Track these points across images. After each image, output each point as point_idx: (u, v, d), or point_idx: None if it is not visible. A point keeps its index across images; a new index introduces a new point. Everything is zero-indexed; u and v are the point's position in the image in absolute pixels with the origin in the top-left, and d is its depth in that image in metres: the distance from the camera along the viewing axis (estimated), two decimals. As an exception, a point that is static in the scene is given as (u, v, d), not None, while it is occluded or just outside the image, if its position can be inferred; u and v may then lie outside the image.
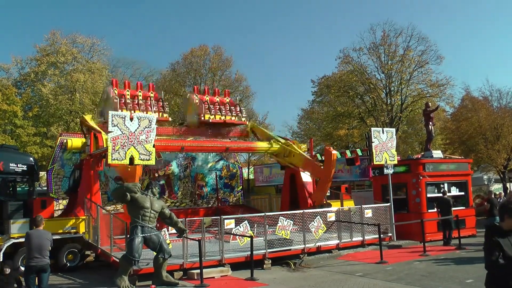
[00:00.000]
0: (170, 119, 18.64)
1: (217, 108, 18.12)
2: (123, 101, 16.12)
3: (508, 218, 4.43)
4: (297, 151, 18.12)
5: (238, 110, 18.68)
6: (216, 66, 38.68)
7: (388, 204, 16.84)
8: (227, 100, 18.89)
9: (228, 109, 18.40)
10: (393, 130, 18.39)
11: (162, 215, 11.34)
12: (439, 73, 35.99)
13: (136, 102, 16.55)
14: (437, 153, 19.55)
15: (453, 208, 16.85)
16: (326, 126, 39.91)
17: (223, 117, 18.14)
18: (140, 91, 17.09)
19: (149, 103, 16.76)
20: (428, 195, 17.85)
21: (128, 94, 16.62)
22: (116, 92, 16.43)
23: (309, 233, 14.17)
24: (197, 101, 18.06)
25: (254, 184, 28.67)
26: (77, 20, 75.18)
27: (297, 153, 18.10)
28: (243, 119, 18.86)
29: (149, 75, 53.73)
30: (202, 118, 17.75)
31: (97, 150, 13.76)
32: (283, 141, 18.90)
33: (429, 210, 17.61)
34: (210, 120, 17.88)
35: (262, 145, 18.72)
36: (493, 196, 18.49)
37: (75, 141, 14.85)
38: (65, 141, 15.37)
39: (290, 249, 13.82)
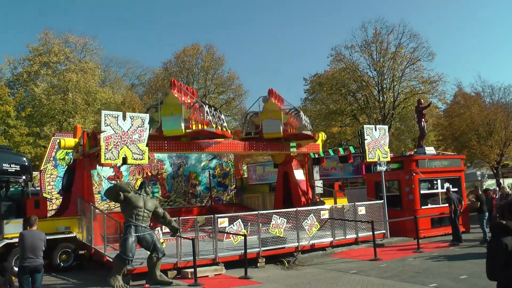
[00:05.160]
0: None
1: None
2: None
3: None
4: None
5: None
6: (209, 65, 38.73)
7: (382, 201, 16.91)
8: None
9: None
10: (386, 127, 18.44)
11: (155, 214, 11.34)
12: (431, 69, 36.31)
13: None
14: (430, 150, 19.62)
15: (445, 205, 16.86)
16: (319, 124, 39.93)
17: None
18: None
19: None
20: (421, 192, 17.91)
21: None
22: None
23: (302, 231, 14.20)
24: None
25: (247, 182, 28.63)
26: (70, 19, 75.01)
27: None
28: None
29: (141, 74, 53.86)
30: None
31: (90, 150, 13.71)
32: None
33: (423, 207, 17.69)
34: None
35: None
36: (480, 192, 18.49)
37: (68, 141, 14.77)
38: (58, 141, 15.30)
39: (284, 247, 13.85)
